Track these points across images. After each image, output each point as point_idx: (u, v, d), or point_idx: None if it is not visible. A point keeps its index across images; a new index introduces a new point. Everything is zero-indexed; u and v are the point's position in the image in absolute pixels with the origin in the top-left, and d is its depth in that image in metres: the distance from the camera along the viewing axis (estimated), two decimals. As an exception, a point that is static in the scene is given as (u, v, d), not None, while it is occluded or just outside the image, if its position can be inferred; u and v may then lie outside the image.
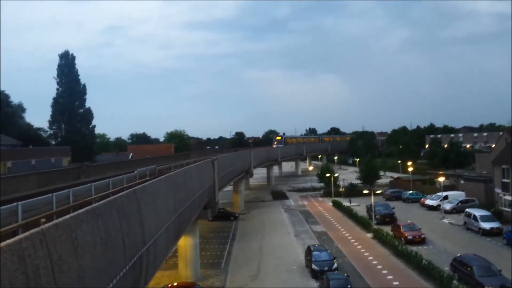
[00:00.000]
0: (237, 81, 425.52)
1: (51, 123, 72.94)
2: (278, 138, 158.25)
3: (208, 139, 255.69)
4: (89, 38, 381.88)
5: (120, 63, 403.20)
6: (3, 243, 6.51)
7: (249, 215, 60.17)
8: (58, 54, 72.03)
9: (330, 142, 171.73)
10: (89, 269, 9.63)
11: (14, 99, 78.98)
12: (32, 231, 7.52)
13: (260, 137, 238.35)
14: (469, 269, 27.62)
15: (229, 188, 64.34)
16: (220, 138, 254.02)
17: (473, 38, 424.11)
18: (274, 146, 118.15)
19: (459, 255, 30.58)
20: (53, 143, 73.99)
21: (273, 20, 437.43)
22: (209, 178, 37.31)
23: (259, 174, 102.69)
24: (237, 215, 57.85)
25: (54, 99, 71.86)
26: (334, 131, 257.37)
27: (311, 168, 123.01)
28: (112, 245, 11.52)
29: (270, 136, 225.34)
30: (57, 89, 71.80)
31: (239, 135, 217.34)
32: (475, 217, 42.09)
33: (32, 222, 9.38)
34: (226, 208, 59.47)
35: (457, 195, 55.67)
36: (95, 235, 10.41)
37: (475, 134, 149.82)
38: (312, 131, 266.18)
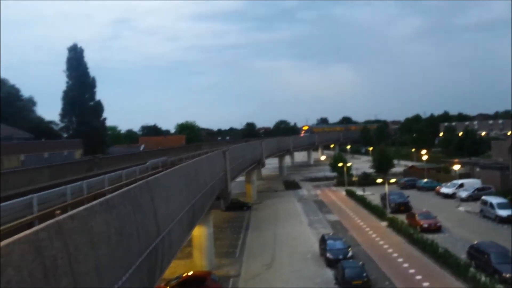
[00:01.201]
0: (247, 72, 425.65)
1: (62, 116, 73.45)
2: (305, 127, 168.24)
3: (219, 130, 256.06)
4: (97, 30, 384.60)
5: (128, 55, 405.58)
6: (20, 234, 6.52)
7: (262, 205, 60.19)
8: (67, 48, 72.27)
9: (353, 131, 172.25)
10: (105, 259, 9.64)
11: (25, 92, 79.69)
12: (48, 222, 7.55)
13: (271, 127, 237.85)
14: (486, 256, 27.29)
15: (241, 178, 64.35)
16: (231, 129, 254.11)
17: (486, 24, 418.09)
18: (302, 135, 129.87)
19: (475, 242, 30.22)
20: (65, 136, 74.54)
21: (282, 10, 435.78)
22: (221, 169, 37.31)
23: (271, 164, 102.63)
24: (250, 205, 57.92)
25: (64, 92, 72.26)
26: (346, 120, 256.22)
27: (323, 157, 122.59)
28: (127, 236, 11.51)
29: (281, 126, 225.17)
30: (67, 82, 72.17)
31: (250, 126, 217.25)
32: (491, 205, 41.56)
33: (47, 214, 9.39)
34: (239, 199, 59.59)
35: (473, 183, 55.00)
36: (109, 226, 10.40)
37: (490, 121, 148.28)
38: (323, 121, 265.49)
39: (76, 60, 72.14)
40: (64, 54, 73.25)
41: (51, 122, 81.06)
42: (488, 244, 29.03)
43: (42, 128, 70.50)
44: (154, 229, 14.40)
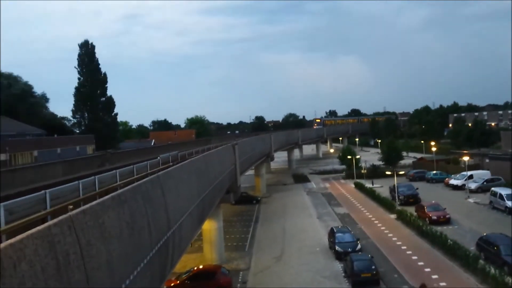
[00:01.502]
0: (256, 65, 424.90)
1: (74, 112, 73.99)
2: (318, 120, 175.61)
3: (228, 124, 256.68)
4: (107, 26, 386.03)
5: (138, 50, 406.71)
6: (33, 229, 6.68)
7: (271, 198, 60.39)
8: (78, 44, 72.68)
9: (362, 124, 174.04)
10: (117, 254, 9.82)
11: (37, 89, 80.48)
12: (61, 217, 7.67)
13: (280, 120, 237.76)
14: (495, 248, 27.24)
15: (250, 172, 64.55)
16: (240, 123, 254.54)
17: (496, 14, 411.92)
18: (315, 127, 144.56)
19: (485, 234, 30.14)
20: (77, 131, 75.21)
21: (290, 2, 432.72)
22: (231, 163, 37.49)
23: (280, 157, 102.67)
24: (259, 198, 58.14)
25: (76, 88, 72.81)
26: (355, 112, 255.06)
27: (332, 150, 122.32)
28: (138, 230, 11.71)
29: (290, 119, 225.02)
30: (79, 78, 72.67)
31: (259, 119, 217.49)
32: (501, 196, 41.35)
33: (60, 209, 9.57)
34: (249, 192, 59.83)
35: (482, 174, 54.62)
36: (121, 220, 10.58)
37: (500, 112, 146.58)
38: (332, 113, 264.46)
39: (87, 56, 72.59)
40: (76, 51, 73.78)
41: (63, 118, 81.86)
42: (498, 236, 28.95)
43: (54, 124, 71.13)
44: (165, 223, 14.61)
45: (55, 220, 7.46)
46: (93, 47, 73.36)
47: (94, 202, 9.49)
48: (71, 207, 9.63)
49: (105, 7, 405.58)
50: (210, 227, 32.58)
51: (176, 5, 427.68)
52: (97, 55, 73.94)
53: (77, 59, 72.64)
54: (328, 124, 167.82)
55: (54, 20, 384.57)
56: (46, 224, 7.16)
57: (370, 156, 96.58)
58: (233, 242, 37.75)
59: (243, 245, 36.97)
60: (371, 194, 54.40)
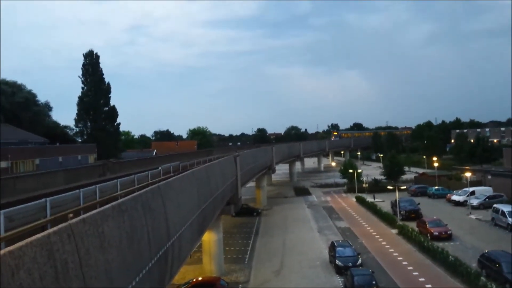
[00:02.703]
0: (259, 78, 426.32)
1: (77, 121, 74.22)
2: (335, 133, 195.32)
3: (230, 135, 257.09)
4: (113, 37, 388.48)
5: (143, 61, 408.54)
6: (33, 237, 6.66)
7: (272, 211, 60.18)
8: (83, 54, 73.17)
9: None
10: (116, 263, 9.77)
11: (41, 98, 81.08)
12: (60, 226, 7.66)
13: (282, 133, 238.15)
14: (497, 265, 27.02)
15: (251, 184, 64.45)
16: (242, 135, 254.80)
17: (499, 31, 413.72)
18: (333, 138, 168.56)
19: (487, 251, 29.96)
20: (79, 140, 75.40)
21: (294, 16, 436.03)
22: (232, 174, 37.44)
23: (281, 170, 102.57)
24: (260, 210, 57.94)
25: (80, 97, 73.09)
26: (357, 126, 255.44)
27: (333, 164, 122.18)
28: (138, 240, 11.66)
29: (292, 132, 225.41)
30: (82, 88, 73.01)
31: (261, 132, 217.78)
32: (503, 213, 41.14)
33: (60, 217, 9.55)
34: (249, 204, 59.65)
35: (484, 191, 54.45)
36: (121, 230, 10.55)
37: (503, 129, 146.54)
38: (334, 127, 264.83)
39: (91, 66, 73.03)
40: (80, 60, 74.29)
41: (66, 127, 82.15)
42: (500, 253, 28.75)
43: (57, 133, 71.36)
44: (165, 234, 14.55)
45: (54, 228, 7.44)
46: (97, 57, 73.86)
47: (94, 211, 9.47)
48: (71, 215, 9.62)
49: (112, 18, 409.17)
50: (210, 238, 32.43)
51: (181, 17, 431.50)
52: (101, 65, 74.54)
53: (82, 68, 73.11)
54: (345, 137, 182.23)
55: (60, 29, 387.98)
56: (45, 232, 7.15)
57: (372, 170, 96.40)
58: (233, 254, 37.53)
59: (242, 258, 36.75)
60: (373, 208, 54.18)
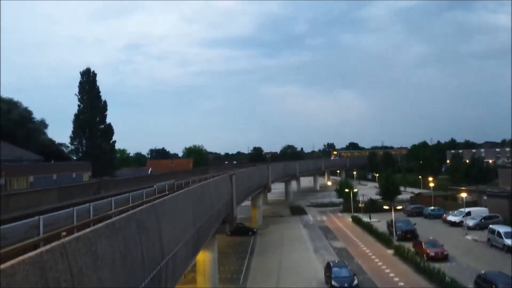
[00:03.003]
0: (255, 97, 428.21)
1: (73, 138, 74.00)
2: (335, 152, 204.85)
3: (226, 154, 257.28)
4: (109, 55, 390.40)
5: (139, 79, 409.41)
6: (25, 256, 6.59)
7: (267, 230, 59.82)
8: (80, 72, 73.33)
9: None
10: (109, 283, 9.66)
11: (37, 115, 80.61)
12: (53, 244, 7.59)
13: (278, 152, 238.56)
14: (493, 286, 26.87)
15: (247, 203, 64.20)
16: (238, 153, 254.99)
17: (493, 52, 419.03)
18: (332, 158, 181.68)
19: (483, 272, 29.80)
20: (74, 158, 75.09)
21: (290, 36, 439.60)
22: (227, 193, 37.33)
23: (277, 189, 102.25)
24: (255, 230, 57.59)
25: (76, 115, 73.05)
26: (353, 146, 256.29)
27: (329, 183, 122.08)
28: (131, 259, 11.54)
29: (288, 151, 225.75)
30: (79, 105, 73.02)
31: (257, 150, 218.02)
32: (499, 234, 41.07)
33: (53, 235, 9.46)
34: (245, 223, 59.29)
35: (480, 211, 54.41)
36: (114, 248, 10.45)
37: (498, 149, 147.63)
38: (330, 146, 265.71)
39: (88, 84, 73.16)
40: (77, 78, 74.41)
41: (61, 145, 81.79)
42: (496, 274, 28.62)
43: (52, 150, 71.03)
44: (159, 253, 14.42)
45: (47, 247, 7.37)
46: (94, 75, 74.10)
47: (87, 229, 9.39)
48: (64, 233, 9.52)
49: (109, 36, 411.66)
50: (204, 258, 32.11)
51: (178, 37, 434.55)
52: (98, 83, 74.69)
53: (78, 86, 73.22)
54: (344, 156, 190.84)
55: (57, 47, 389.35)
56: (38, 251, 7.08)
57: (367, 190, 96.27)
58: (227, 274, 37.15)
59: (237, 278, 36.37)
60: (369, 228, 53.97)
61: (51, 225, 9.95)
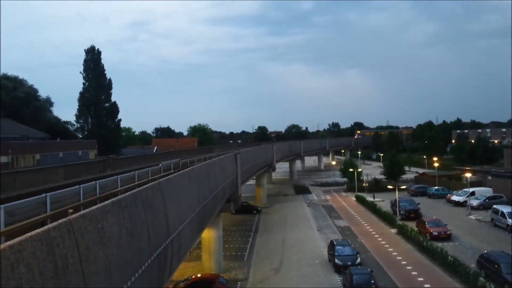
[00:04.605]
0: (260, 76, 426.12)
1: (78, 116, 74.24)
2: (358, 132, 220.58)
3: (231, 133, 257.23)
4: (114, 33, 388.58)
5: (144, 58, 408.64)
6: (33, 232, 6.66)
7: (271, 209, 60.22)
8: (84, 49, 73.14)
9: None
10: (115, 259, 9.78)
11: (42, 93, 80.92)
12: (60, 221, 7.65)
13: (283, 131, 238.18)
14: (496, 266, 27.06)
15: (251, 182, 64.47)
16: (243, 132, 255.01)
17: (501, 30, 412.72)
18: (356, 137, 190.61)
19: (486, 252, 30.00)
20: (80, 136, 75.42)
21: (296, 14, 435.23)
22: (232, 172, 37.44)
23: (281, 168, 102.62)
24: (259, 208, 57.98)
25: (81, 93, 73.07)
26: (358, 125, 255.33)
27: (334, 162, 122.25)
28: (138, 236, 11.67)
29: (292, 130, 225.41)
30: (84, 84, 72.99)
31: (262, 129, 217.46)
32: (502, 214, 41.17)
33: (60, 212, 9.54)
34: (249, 202, 59.69)
35: (484, 191, 54.46)
36: (120, 226, 10.55)
37: (504, 129, 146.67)
38: (335, 126, 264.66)
39: (93, 62, 72.96)
40: (82, 56, 74.24)
41: (67, 123, 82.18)
42: (499, 253, 28.79)
43: (58, 128, 71.39)
44: (164, 230, 14.56)
45: (54, 224, 7.44)
46: (99, 53, 73.81)
47: (94, 207, 9.46)
48: (71, 211, 9.63)
49: (113, 14, 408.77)
50: (209, 235, 32.48)
51: (182, 14, 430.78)
52: (103, 61, 74.46)
53: (83, 64, 73.09)
54: (368, 135, 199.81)
55: (61, 25, 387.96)
56: (45, 227, 7.14)
57: (372, 170, 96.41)
58: (232, 252, 37.58)
59: (242, 255, 36.81)
60: (372, 207, 54.21)
61: (58, 202, 10.05)
